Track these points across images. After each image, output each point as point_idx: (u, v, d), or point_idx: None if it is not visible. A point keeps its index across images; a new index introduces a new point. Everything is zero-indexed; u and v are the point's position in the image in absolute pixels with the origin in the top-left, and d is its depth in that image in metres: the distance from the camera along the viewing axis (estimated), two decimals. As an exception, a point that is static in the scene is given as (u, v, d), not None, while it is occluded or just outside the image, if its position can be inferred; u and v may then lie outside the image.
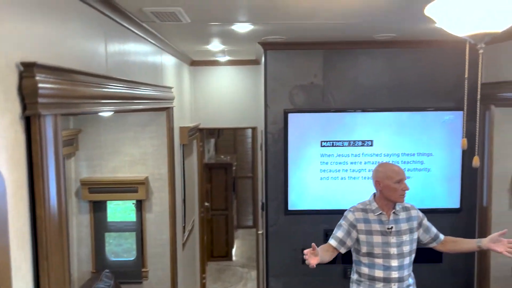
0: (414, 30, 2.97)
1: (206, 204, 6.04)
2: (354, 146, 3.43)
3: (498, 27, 1.20)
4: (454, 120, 3.40)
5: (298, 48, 3.49)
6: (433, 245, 2.69)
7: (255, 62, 4.79)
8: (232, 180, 7.41)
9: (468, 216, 3.47)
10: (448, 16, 1.23)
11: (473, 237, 3.45)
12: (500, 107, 3.19)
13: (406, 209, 2.70)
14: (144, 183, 3.30)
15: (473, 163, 1.51)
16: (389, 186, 2.53)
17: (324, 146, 3.44)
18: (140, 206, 3.40)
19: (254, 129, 5.63)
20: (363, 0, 2.17)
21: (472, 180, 3.44)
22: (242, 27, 2.87)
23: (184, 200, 4.23)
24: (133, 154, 3.35)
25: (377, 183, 2.58)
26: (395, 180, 2.53)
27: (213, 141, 8.40)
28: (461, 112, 3.33)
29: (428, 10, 1.28)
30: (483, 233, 3.32)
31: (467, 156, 3.42)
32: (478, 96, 1.68)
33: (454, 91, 3.38)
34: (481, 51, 1.25)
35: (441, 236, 2.70)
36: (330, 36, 3.24)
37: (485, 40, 1.22)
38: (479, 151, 3.37)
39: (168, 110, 3.40)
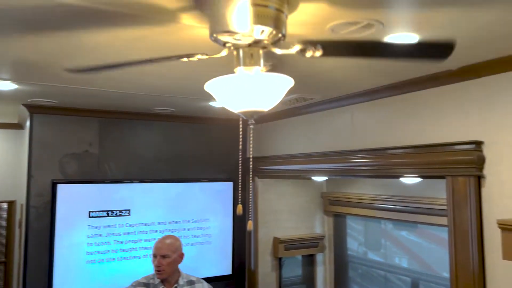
0: (192, 106, 3.18)
1: None
2: (120, 216, 3.27)
3: (264, 107, 1.38)
4: (226, 190, 3.68)
5: (72, 114, 3.25)
6: None
7: (18, 126, 4.20)
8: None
9: (239, 281, 3.68)
10: (224, 93, 1.36)
11: (244, 301, 3.66)
12: (262, 178, 3.64)
13: (191, 283, 2.66)
14: None
15: (247, 228, 1.62)
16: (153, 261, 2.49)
17: (92, 216, 3.17)
18: None
19: (11, 203, 4.79)
20: (140, 73, 2.18)
21: (241, 246, 3.72)
22: (3, 85, 2.50)
23: None
24: None
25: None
26: (152, 254, 2.51)
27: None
28: (231, 183, 3.65)
29: (207, 87, 1.38)
30: None
31: (237, 223, 3.72)
32: (251, 166, 1.85)
33: (226, 163, 3.70)
34: (251, 126, 1.40)
35: None
36: (108, 105, 3.14)
37: (254, 117, 1.39)
38: (247, 219, 3.71)
39: None
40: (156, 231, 3.36)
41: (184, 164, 3.65)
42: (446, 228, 2.06)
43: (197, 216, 3.55)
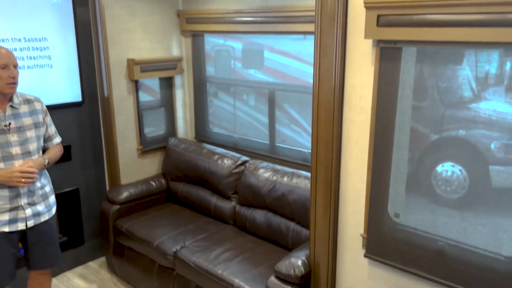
0: None
1: None
2: None
3: None
4: (63, 4, 3.09)
5: None
6: (47, 144, 2.47)
7: None
8: None
9: (91, 108, 3.39)
10: None
11: (99, 128, 3.45)
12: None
13: (29, 101, 2.37)
14: None
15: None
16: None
17: None
18: None
19: None
20: None
21: (90, 70, 3.33)
22: None
23: None
24: None
25: None
26: (2, 66, 2.14)
27: None
28: (70, -6, 3.06)
29: None
30: (108, 123, 3.36)
31: (82, 45, 3.26)
32: None
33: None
34: None
35: (58, 139, 2.53)
36: None
37: None
38: (94, 38, 3.26)
39: None
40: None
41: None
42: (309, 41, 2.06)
43: (29, 33, 2.96)
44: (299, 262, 2.29)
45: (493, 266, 1.70)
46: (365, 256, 2.07)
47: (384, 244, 2.00)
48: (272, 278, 2.32)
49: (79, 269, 3.48)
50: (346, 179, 2.09)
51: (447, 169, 1.83)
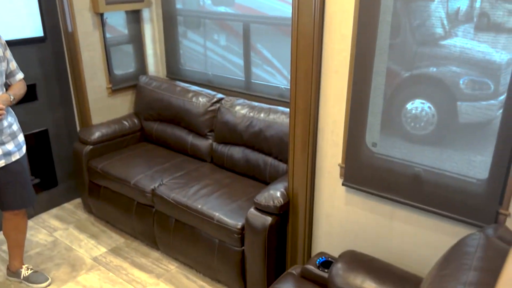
0: None
1: None
2: None
3: None
4: None
5: None
6: (9, 81, 2.33)
7: None
8: None
9: (55, 44, 3.19)
10: None
11: (65, 66, 3.28)
12: None
13: None
14: None
15: None
16: None
17: None
18: None
19: None
20: None
21: (51, 2, 3.09)
22: None
23: None
24: None
25: None
26: None
27: None
28: None
29: None
30: (75, 60, 3.18)
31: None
32: None
33: None
34: None
35: (21, 75, 2.38)
36: None
37: None
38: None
39: None
40: None
41: None
42: None
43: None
44: (278, 194, 2.33)
45: (466, 188, 1.77)
46: (343, 184, 2.11)
47: (361, 172, 2.04)
48: (252, 210, 2.36)
49: (54, 210, 3.45)
50: (325, 109, 2.08)
51: (417, 106, 1.85)
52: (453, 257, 1.34)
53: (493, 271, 1.22)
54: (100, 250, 2.97)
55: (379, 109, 1.93)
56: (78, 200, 3.56)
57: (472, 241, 1.37)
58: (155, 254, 2.93)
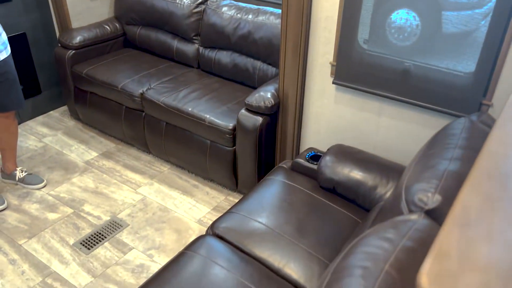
0: None
1: None
2: None
3: None
4: None
5: None
6: None
7: None
8: None
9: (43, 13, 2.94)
10: None
11: (54, 31, 3.05)
12: None
13: None
14: None
15: None
16: None
17: None
18: None
19: None
20: None
21: None
22: None
23: None
24: None
25: None
26: None
27: None
28: None
29: None
30: (64, 24, 2.99)
31: None
32: None
33: None
34: None
35: None
36: None
37: None
38: None
39: None
40: None
41: None
42: None
43: None
44: (269, 95, 2.36)
45: (453, 82, 1.84)
46: (333, 83, 2.15)
47: (352, 70, 2.07)
48: (243, 111, 2.40)
49: (40, 118, 3.43)
50: (318, 3, 2.04)
51: (402, 16, 1.83)
52: (440, 138, 1.43)
53: (476, 149, 1.32)
54: (92, 154, 3.02)
55: (371, 5, 1.92)
56: (64, 108, 3.53)
57: (458, 125, 1.46)
58: (147, 157, 3.01)
